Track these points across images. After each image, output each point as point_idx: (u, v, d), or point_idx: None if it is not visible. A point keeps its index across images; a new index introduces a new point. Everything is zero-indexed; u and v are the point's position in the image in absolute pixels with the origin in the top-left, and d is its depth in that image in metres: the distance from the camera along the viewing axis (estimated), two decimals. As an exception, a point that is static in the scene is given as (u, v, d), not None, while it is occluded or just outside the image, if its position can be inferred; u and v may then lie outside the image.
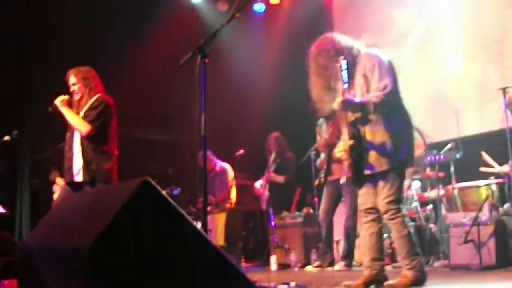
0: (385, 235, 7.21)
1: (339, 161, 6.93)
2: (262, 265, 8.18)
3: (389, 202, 4.26)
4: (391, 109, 4.28)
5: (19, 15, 9.03)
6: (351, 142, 4.31)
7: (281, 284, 3.85)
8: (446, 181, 7.12)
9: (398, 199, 4.28)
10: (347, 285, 4.34)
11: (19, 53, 8.99)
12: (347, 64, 4.20)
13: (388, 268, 6.61)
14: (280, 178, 8.44)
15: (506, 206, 6.14)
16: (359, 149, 4.31)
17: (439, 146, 7.32)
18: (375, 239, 4.43)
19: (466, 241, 5.78)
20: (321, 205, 7.12)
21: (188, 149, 10.20)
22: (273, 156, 8.51)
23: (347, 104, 4.25)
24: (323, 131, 7.17)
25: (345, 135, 4.47)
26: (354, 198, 6.94)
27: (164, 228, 2.56)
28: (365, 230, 4.48)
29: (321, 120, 7.23)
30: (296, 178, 8.57)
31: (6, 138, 6.48)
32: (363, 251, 4.55)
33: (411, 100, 8.48)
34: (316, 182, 7.36)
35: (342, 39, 4.51)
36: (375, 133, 4.29)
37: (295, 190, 8.82)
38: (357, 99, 4.25)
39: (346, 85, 4.18)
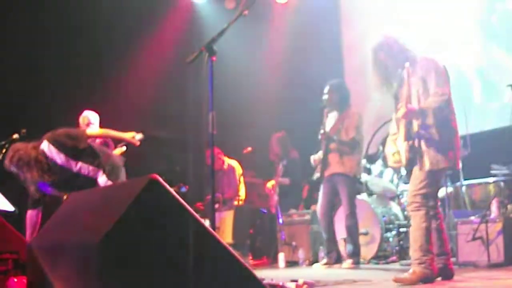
0: (392, 232, 7.21)
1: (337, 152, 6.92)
2: (270, 263, 8.19)
3: (415, 195, 4.44)
4: (445, 116, 4.46)
5: (25, 17, 9.07)
6: (410, 142, 4.47)
7: (289, 282, 3.85)
8: (454, 178, 7.10)
9: (426, 195, 4.43)
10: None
11: (26, 52, 9.02)
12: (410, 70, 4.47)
13: (396, 266, 6.63)
14: (286, 181, 8.44)
15: (514, 203, 6.13)
16: (416, 149, 4.46)
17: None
18: (436, 236, 4.52)
19: (474, 238, 5.77)
20: (318, 203, 7.07)
21: (196, 147, 10.23)
22: (280, 166, 8.49)
23: (410, 114, 4.42)
24: (328, 119, 7.07)
25: (397, 138, 4.61)
26: (352, 197, 6.94)
27: (173, 225, 2.56)
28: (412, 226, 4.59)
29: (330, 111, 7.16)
30: (304, 175, 8.57)
31: (15, 136, 6.52)
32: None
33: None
34: (316, 175, 7.28)
35: (405, 41, 4.71)
36: (427, 135, 4.44)
37: (302, 187, 8.81)
38: (417, 106, 4.42)
39: (409, 91, 4.44)
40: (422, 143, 4.43)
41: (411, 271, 4.33)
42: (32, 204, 5.70)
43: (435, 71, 4.49)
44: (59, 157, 5.53)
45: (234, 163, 9.14)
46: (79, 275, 2.61)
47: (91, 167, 5.60)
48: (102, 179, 5.60)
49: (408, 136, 4.48)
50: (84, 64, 9.36)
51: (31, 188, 5.61)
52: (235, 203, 8.90)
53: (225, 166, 9.10)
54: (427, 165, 4.40)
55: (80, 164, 5.58)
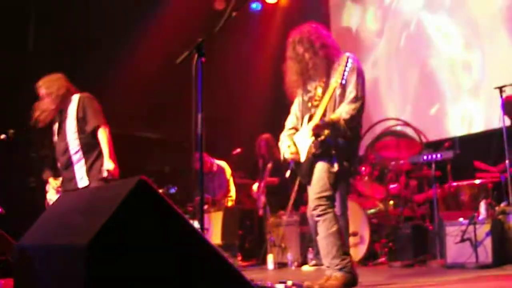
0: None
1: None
2: (259, 264, 8.18)
3: (319, 198, 4.20)
4: (354, 124, 4.23)
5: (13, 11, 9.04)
6: (320, 138, 4.21)
7: (278, 283, 3.85)
8: (442, 180, 7.12)
9: (330, 196, 4.22)
10: (308, 285, 4.24)
11: (14, 50, 8.98)
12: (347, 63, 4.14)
13: (385, 267, 6.63)
14: (274, 180, 8.44)
15: (502, 204, 6.15)
16: (325, 146, 4.23)
17: (436, 145, 7.33)
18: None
19: (462, 240, 5.79)
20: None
21: (185, 148, 10.21)
22: (269, 165, 8.48)
23: (322, 127, 4.19)
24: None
25: (296, 134, 4.43)
26: (345, 197, 6.91)
27: (161, 227, 2.56)
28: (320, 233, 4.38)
29: None
30: (293, 177, 8.55)
31: (3, 136, 6.49)
32: (322, 254, 4.39)
33: (409, 99, 8.51)
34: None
35: (327, 35, 4.47)
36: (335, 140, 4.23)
37: (291, 189, 8.81)
38: (328, 120, 4.17)
39: (344, 81, 4.12)
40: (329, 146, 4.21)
41: (332, 276, 4.16)
42: None
43: (357, 73, 4.23)
44: None
45: (223, 164, 9.14)
46: (67, 277, 2.60)
47: None
48: None
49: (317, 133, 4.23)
50: (73, 64, 9.32)
51: None
52: (229, 203, 8.89)
53: (214, 168, 9.08)
54: (334, 167, 4.20)
55: None
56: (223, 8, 10.39)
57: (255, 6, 10.51)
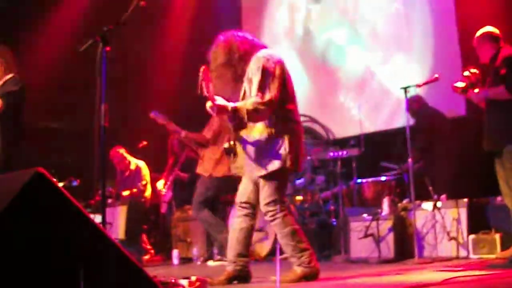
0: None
1: None
2: (164, 260, 8.08)
3: (267, 204, 4.22)
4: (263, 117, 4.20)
5: None
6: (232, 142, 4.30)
7: (182, 279, 3.77)
8: (347, 177, 7.24)
9: (276, 200, 4.22)
10: (211, 283, 4.21)
11: None
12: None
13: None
14: (184, 176, 8.37)
15: (404, 201, 6.32)
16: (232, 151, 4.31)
17: (342, 142, 7.44)
18: (245, 235, 4.37)
19: (366, 235, 5.92)
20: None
21: (89, 140, 9.95)
22: (179, 158, 8.40)
23: (219, 110, 4.11)
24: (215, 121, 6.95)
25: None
26: None
27: (58, 222, 2.43)
28: (236, 224, 4.40)
29: None
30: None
31: None
32: (230, 245, 4.42)
33: (316, 96, 8.58)
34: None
35: (257, 44, 4.43)
36: (257, 133, 4.25)
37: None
38: (230, 105, 4.11)
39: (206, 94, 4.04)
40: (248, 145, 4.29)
41: (291, 270, 4.23)
42: None
43: (262, 72, 4.17)
44: None
45: (141, 163, 8.90)
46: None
47: None
48: None
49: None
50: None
51: None
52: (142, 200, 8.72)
53: (132, 167, 8.81)
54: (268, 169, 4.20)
55: None
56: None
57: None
